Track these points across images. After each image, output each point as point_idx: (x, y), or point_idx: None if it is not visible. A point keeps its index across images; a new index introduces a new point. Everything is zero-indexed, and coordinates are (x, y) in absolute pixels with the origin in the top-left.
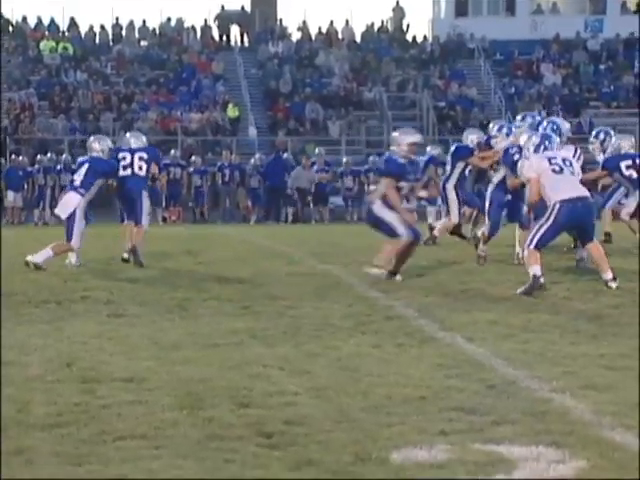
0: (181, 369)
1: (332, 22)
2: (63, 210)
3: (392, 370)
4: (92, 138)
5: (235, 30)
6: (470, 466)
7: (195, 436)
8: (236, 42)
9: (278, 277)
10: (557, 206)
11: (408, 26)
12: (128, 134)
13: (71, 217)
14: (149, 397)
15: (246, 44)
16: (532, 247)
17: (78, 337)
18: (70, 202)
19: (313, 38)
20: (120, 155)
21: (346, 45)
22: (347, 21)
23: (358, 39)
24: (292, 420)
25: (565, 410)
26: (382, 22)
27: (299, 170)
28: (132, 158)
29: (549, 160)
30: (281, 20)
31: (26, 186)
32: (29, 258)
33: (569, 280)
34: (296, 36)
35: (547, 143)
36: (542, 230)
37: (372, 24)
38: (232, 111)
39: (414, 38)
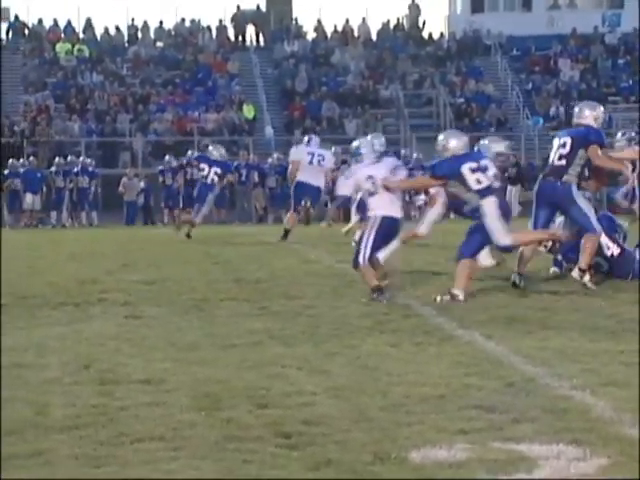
0: (199, 370)
1: (348, 20)
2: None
3: (411, 369)
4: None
5: (250, 29)
6: (490, 465)
7: (213, 437)
8: (251, 41)
9: (295, 277)
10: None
11: (424, 23)
12: (211, 147)
13: None
14: (167, 398)
15: (261, 43)
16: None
17: (96, 339)
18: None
19: (329, 36)
20: (201, 165)
21: (362, 43)
22: (363, 19)
23: (374, 37)
24: (310, 420)
25: (585, 407)
26: (398, 19)
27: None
28: (209, 170)
29: None
30: (296, 19)
31: (44, 189)
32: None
33: None
34: (311, 35)
35: None
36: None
37: (388, 22)
38: (248, 111)
39: (430, 35)
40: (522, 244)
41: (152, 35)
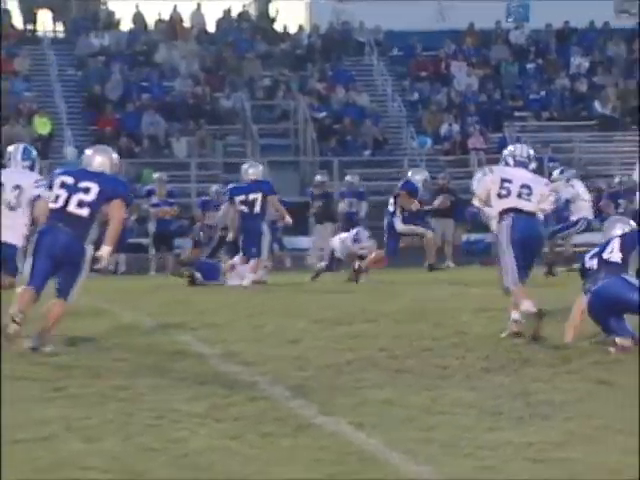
0: None
1: (176, 7)
2: None
3: (255, 469)
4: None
5: (45, 16)
6: None
7: None
8: (46, 32)
9: (103, 347)
10: None
11: (277, 12)
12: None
13: None
14: None
15: (60, 35)
16: None
17: None
18: None
19: (151, 27)
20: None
21: (195, 37)
22: (197, 5)
23: (211, 29)
24: None
25: None
26: (243, 7)
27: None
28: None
29: None
30: (107, 3)
31: None
32: None
33: (488, 346)
34: (128, 25)
35: None
36: None
37: (229, 9)
38: (42, 125)
39: (285, 28)
40: None
41: None
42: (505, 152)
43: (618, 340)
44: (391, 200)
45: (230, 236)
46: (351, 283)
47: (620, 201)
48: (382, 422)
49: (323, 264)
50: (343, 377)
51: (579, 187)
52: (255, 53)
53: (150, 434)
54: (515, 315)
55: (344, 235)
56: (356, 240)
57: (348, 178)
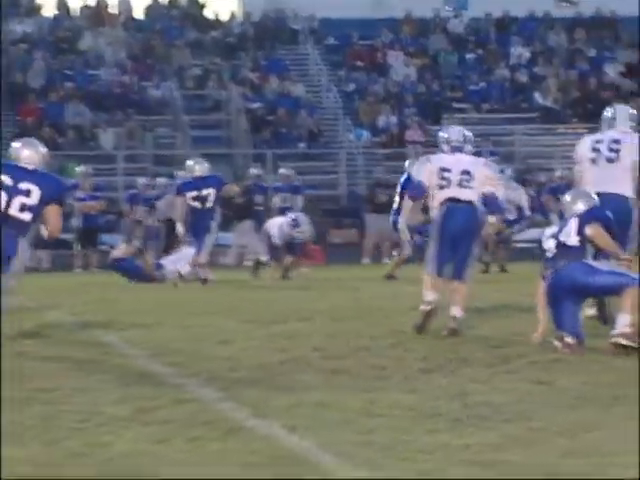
0: None
1: None
2: None
3: (184, 473)
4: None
5: None
6: None
7: None
8: None
9: (25, 346)
10: None
11: None
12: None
13: None
14: None
15: None
16: None
17: None
18: None
19: (76, 13)
20: None
21: (122, 24)
22: None
23: (139, 15)
24: None
25: None
26: None
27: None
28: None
29: None
30: None
31: None
32: None
33: (425, 345)
34: (51, 10)
35: None
36: None
37: None
38: None
39: (217, 16)
40: None
41: None
42: (440, 138)
43: (567, 338)
44: (396, 198)
45: (180, 229)
46: (285, 280)
47: (561, 195)
48: (316, 425)
49: (265, 258)
50: (276, 378)
51: (516, 187)
52: (185, 41)
53: (74, 438)
54: (453, 311)
55: (280, 220)
56: (294, 225)
57: (282, 171)
